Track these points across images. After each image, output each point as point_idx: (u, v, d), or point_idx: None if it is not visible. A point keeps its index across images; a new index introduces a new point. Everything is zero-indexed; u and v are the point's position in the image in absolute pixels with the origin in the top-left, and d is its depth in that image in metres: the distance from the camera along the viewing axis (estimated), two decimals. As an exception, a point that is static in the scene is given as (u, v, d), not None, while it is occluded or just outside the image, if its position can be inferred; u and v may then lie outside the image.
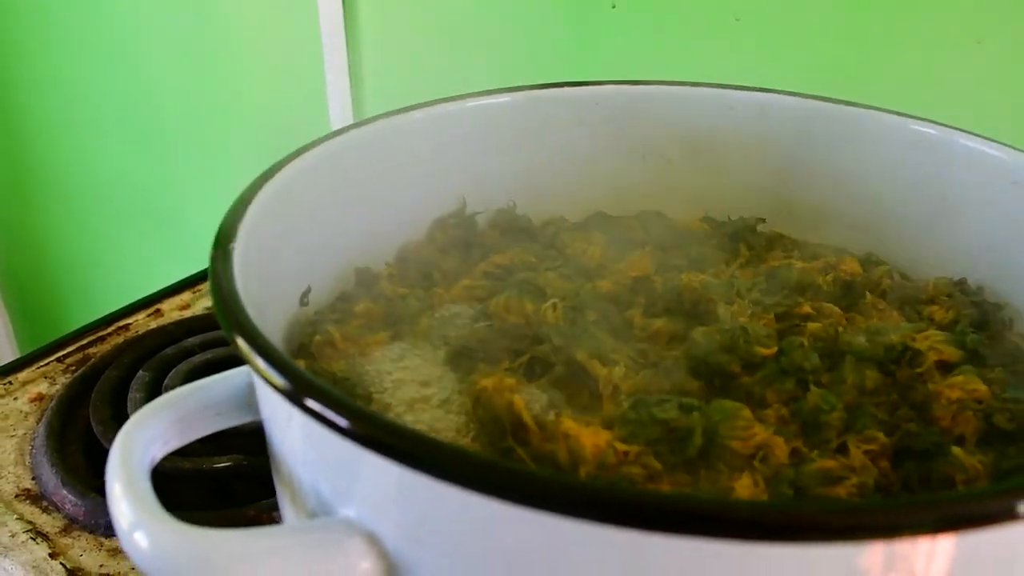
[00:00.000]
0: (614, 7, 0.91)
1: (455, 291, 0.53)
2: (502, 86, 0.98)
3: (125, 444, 0.36)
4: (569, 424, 0.39)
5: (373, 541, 0.33)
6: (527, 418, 0.39)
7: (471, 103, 0.58)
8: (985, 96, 0.68)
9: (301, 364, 0.45)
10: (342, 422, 0.30)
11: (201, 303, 0.92)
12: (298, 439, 0.36)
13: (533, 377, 0.45)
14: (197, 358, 0.80)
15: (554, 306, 0.48)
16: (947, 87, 0.69)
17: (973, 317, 0.51)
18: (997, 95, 0.68)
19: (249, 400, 0.40)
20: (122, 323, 0.88)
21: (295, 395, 0.32)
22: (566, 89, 0.61)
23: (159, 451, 0.38)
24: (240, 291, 0.38)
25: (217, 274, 0.38)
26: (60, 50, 1.41)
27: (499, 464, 0.30)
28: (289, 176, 0.48)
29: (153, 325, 0.87)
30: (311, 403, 0.31)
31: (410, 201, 0.58)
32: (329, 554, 0.33)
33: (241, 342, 0.34)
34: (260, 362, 0.33)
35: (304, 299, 0.51)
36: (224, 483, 0.68)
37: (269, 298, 0.45)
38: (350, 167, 0.53)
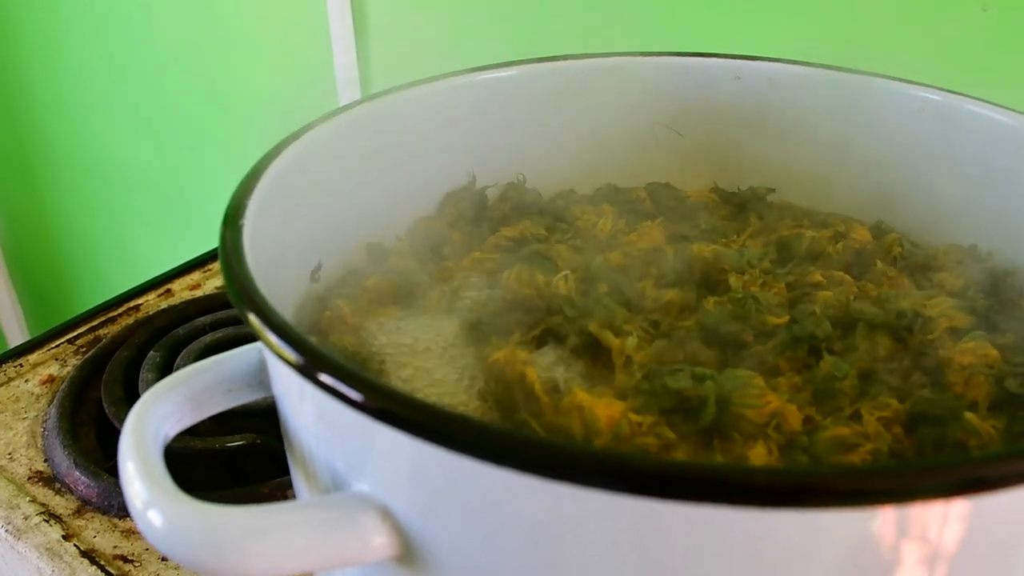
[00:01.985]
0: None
1: (466, 263, 0.53)
2: (508, 54, 0.98)
3: (138, 422, 0.36)
4: (582, 396, 0.39)
5: (387, 515, 0.33)
6: (540, 390, 0.40)
7: (481, 76, 0.58)
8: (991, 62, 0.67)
9: (312, 341, 0.45)
10: (355, 395, 0.30)
11: (211, 283, 0.92)
12: (311, 414, 0.36)
13: (546, 349, 0.45)
14: (208, 337, 0.80)
15: (566, 277, 0.48)
16: (953, 53, 0.69)
17: (983, 283, 0.51)
18: (1002, 61, 0.67)
19: (261, 377, 0.40)
20: (133, 303, 0.88)
21: (308, 369, 0.32)
22: (573, 61, 0.60)
23: (172, 429, 0.38)
24: (251, 267, 0.38)
25: (227, 250, 0.38)
26: (68, 35, 1.41)
27: (513, 434, 0.30)
28: (298, 151, 0.48)
29: (164, 305, 0.87)
30: (324, 377, 0.31)
31: (420, 176, 0.58)
32: (343, 529, 0.33)
33: (253, 317, 0.35)
34: (272, 337, 0.34)
35: (315, 275, 0.51)
36: (237, 462, 0.68)
37: (280, 274, 0.45)
38: (359, 142, 0.53)
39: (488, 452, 0.28)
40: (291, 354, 0.32)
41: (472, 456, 0.28)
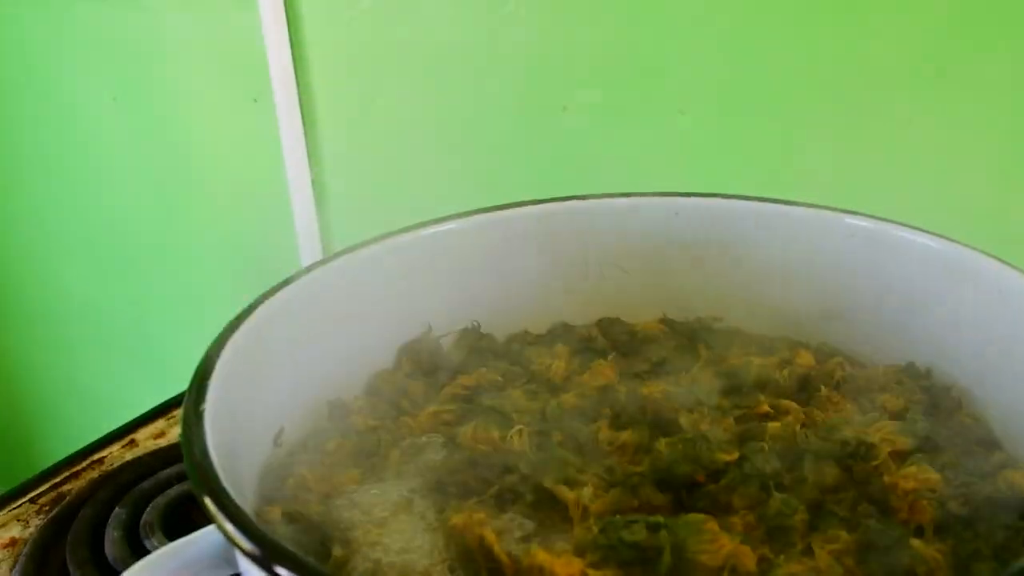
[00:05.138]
0: (565, 109, 0.94)
1: (423, 418, 0.54)
2: (462, 193, 1.01)
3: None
4: (542, 556, 0.40)
5: None
6: (499, 552, 0.41)
7: (428, 231, 0.60)
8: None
9: (276, 510, 0.46)
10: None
11: (175, 430, 0.91)
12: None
13: (504, 507, 0.46)
14: (174, 490, 0.78)
15: (520, 432, 0.49)
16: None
17: (924, 402, 0.53)
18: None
19: (227, 555, 0.41)
20: (96, 456, 0.86)
21: (264, 561, 0.33)
22: (517, 209, 0.63)
23: (144, 619, 0.39)
24: (212, 453, 0.39)
25: (189, 439, 0.39)
26: (25, 172, 1.41)
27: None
28: (256, 323, 0.49)
29: (128, 456, 0.86)
30: (280, 569, 0.32)
31: (378, 330, 0.59)
32: None
33: (213, 508, 0.36)
34: (230, 527, 0.35)
35: (278, 439, 0.53)
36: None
37: (243, 444, 0.46)
38: (316, 306, 0.55)
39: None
40: (249, 545, 0.34)
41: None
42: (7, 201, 1.47)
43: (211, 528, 0.41)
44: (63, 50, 1.25)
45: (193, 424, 0.40)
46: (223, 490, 0.36)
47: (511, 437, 0.49)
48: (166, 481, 0.80)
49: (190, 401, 0.42)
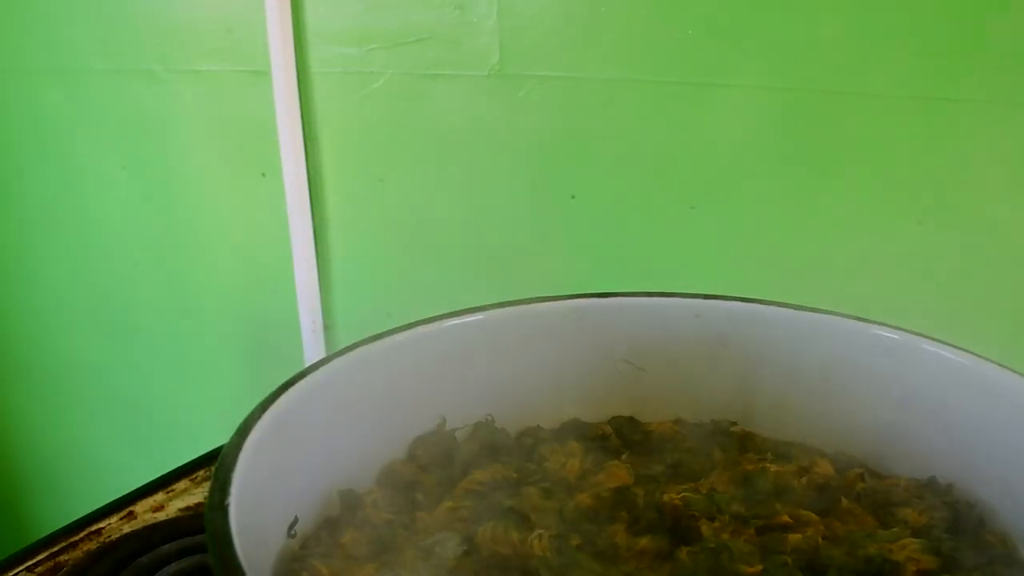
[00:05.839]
0: (573, 198, 0.94)
1: (439, 514, 0.54)
2: (468, 276, 1.01)
3: None
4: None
5: None
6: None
7: (445, 324, 0.60)
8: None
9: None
10: None
11: (174, 504, 0.90)
12: None
13: (525, 614, 0.45)
14: (173, 567, 0.77)
15: (540, 536, 0.49)
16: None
17: (947, 519, 0.52)
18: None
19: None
20: (94, 527, 0.85)
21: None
22: (538, 305, 0.62)
23: None
24: (238, 549, 0.38)
25: (216, 535, 0.39)
26: (35, 237, 1.41)
27: None
28: (276, 414, 0.49)
29: (126, 529, 0.85)
30: None
31: (391, 422, 0.59)
32: None
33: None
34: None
35: (291, 530, 0.52)
36: None
37: (258, 535, 0.45)
38: (332, 396, 0.54)
39: None
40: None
41: None
42: (13, 263, 1.46)
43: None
44: (76, 118, 1.25)
45: (219, 519, 0.40)
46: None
47: (531, 541, 0.49)
48: (165, 556, 0.79)
49: (215, 495, 0.41)
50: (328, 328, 1.14)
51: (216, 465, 0.44)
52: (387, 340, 0.58)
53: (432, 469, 0.58)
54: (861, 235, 0.81)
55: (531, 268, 0.96)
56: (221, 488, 0.42)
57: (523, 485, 0.56)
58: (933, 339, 0.56)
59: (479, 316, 0.61)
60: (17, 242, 1.43)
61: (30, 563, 0.80)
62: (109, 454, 1.49)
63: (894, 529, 0.51)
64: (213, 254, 1.22)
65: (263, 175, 1.12)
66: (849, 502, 0.54)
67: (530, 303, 0.62)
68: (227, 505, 0.41)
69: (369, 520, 0.53)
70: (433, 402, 0.61)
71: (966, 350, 0.55)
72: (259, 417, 0.48)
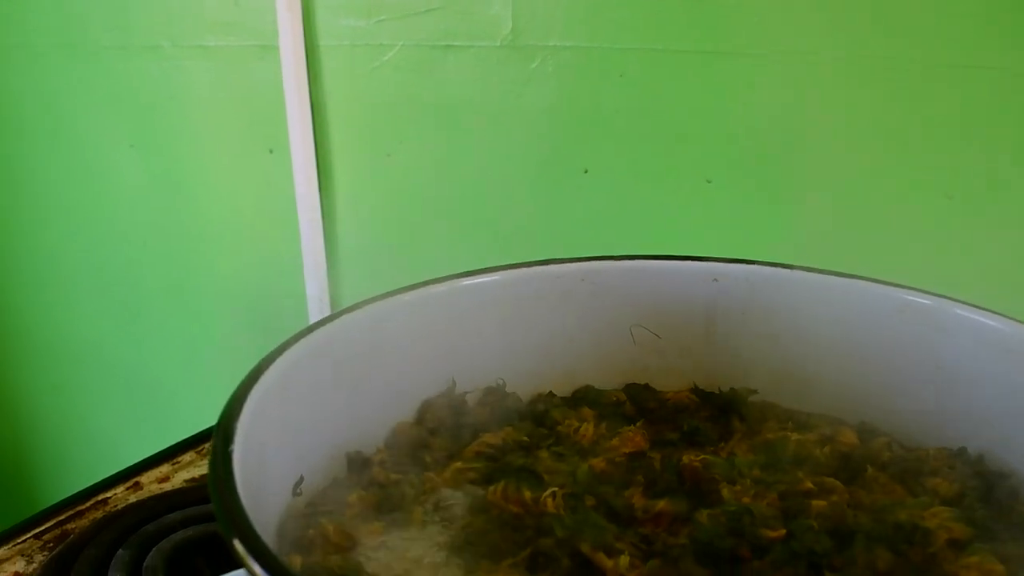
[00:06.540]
0: (586, 172, 0.92)
1: (447, 474, 0.52)
2: (476, 250, 0.99)
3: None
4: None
5: None
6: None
7: (460, 283, 0.58)
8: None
9: (297, 560, 0.43)
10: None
11: (180, 475, 0.90)
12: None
13: (537, 570, 0.43)
14: (178, 535, 0.76)
15: (553, 494, 0.47)
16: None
17: (979, 489, 0.50)
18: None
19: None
20: (101, 497, 0.85)
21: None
22: (553, 266, 0.61)
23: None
24: (241, 495, 0.36)
25: (218, 480, 0.37)
26: (42, 215, 1.40)
27: None
28: (282, 368, 0.47)
29: (132, 499, 0.84)
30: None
31: (399, 382, 0.57)
32: None
33: (242, 551, 0.33)
34: (259, 571, 0.32)
35: (297, 489, 0.50)
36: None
37: (263, 491, 0.43)
38: (340, 353, 0.53)
39: None
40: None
41: None
42: (21, 242, 1.45)
43: (240, 572, 0.39)
44: (84, 96, 1.24)
45: (222, 465, 0.38)
46: (254, 533, 0.33)
47: (544, 499, 0.47)
48: (170, 525, 0.78)
49: (218, 442, 0.39)
50: (335, 304, 1.13)
51: (220, 415, 0.42)
52: (397, 298, 0.56)
53: (441, 432, 0.56)
54: (880, 210, 0.79)
55: (542, 243, 0.94)
56: (224, 436, 0.40)
57: (535, 449, 0.54)
58: (967, 303, 0.54)
59: (494, 276, 0.59)
60: (29, 220, 1.42)
61: (37, 530, 0.81)
62: (116, 433, 1.48)
63: (923, 498, 0.49)
64: (221, 229, 1.21)
65: (271, 151, 1.10)
66: (875, 471, 0.52)
67: (545, 264, 0.60)
68: (230, 452, 0.39)
69: (376, 480, 0.51)
70: (443, 364, 0.59)
71: (1002, 314, 0.53)
72: (265, 369, 0.46)
